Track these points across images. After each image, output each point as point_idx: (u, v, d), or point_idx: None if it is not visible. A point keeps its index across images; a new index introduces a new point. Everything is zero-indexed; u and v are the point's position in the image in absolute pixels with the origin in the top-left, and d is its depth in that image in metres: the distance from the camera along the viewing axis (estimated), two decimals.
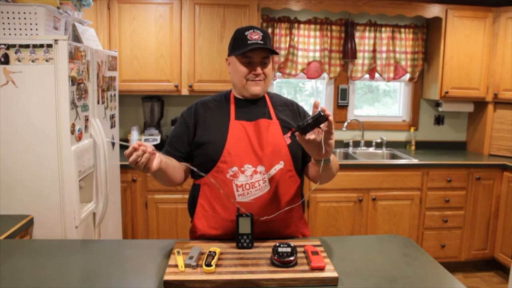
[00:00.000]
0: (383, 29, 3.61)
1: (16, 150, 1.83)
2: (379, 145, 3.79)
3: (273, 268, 1.22)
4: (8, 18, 1.82)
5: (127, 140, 3.35)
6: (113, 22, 3.08)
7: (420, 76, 3.79)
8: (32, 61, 1.79)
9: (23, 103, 1.81)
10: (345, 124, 3.66)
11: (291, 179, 1.49)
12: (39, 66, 1.79)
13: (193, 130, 1.52)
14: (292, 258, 1.23)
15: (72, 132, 1.89)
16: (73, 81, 1.87)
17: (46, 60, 1.79)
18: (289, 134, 1.50)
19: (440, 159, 3.36)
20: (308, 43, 3.54)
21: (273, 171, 1.45)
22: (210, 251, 1.28)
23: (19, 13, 1.83)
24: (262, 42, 1.43)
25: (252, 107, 1.54)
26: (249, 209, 1.41)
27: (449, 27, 3.41)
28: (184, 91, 3.21)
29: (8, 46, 1.78)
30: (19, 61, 1.78)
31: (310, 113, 1.42)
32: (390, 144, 3.83)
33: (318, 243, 1.43)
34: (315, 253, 1.28)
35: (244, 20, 3.18)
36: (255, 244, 1.39)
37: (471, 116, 3.88)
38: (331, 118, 1.22)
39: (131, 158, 1.19)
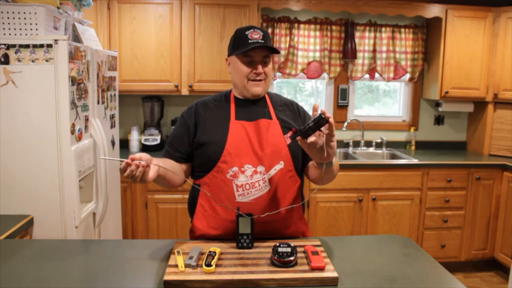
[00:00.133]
0: (383, 29, 3.61)
1: (16, 150, 1.83)
2: (379, 145, 3.79)
3: (273, 268, 1.22)
4: (8, 18, 1.82)
5: (127, 145, 3.34)
6: (113, 22, 3.08)
7: (420, 76, 3.79)
8: (32, 61, 1.79)
9: (23, 103, 1.81)
10: (345, 124, 3.66)
11: (291, 179, 1.49)
12: (39, 66, 1.79)
13: (193, 131, 1.52)
14: (292, 258, 1.23)
15: (72, 132, 1.89)
16: (73, 81, 1.87)
17: (46, 60, 1.79)
18: (289, 135, 1.50)
19: (440, 159, 3.36)
20: (308, 43, 3.54)
21: (273, 171, 1.45)
22: (210, 251, 1.28)
23: (19, 13, 1.83)
24: (262, 41, 1.44)
25: (252, 107, 1.54)
26: (249, 209, 1.41)
27: (449, 27, 3.41)
28: (184, 91, 3.21)
29: (8, 46, 1.77)
30: (19, 61, 1.78)
31: (310, 113, 1.42)
32: (390, 144, 3.83)
33: (318, 243, 1.43)
34: (315, 253, 1.28)
35: (244, 20, 3.18)
36: (255, 244, 1.39)
37: (471, 116, 3.88)
38: (331, 120, 1.22)
39: (126, 173, 1.19)
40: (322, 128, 1.24)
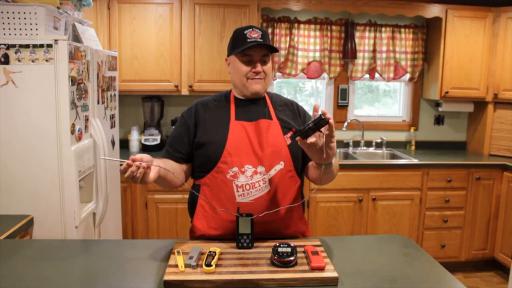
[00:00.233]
0: (383, 29, 3.61)
1: (16, 150, 1.83)
2: (379, 145, 3.79)
3: (273, 268, 1.22)
4: (8, 18, 1.82)
5: (127, 145, 3.35)
6: (113, 22, 3.08)
7: (420, 76, 3.79)
8: (32, 61, 1.79)
9: (23, 103, 1.81)
10: (345, 124, 3.66)
11: (291, 179, 1.49)
12: (39, 66, 1.79)
13: (194, 131, 1.52)
14: (292, 258, 1.23)
15: (72, 132, 1.89)
16: (73, 81, 1.87)
17: (46, 60, 1.79)
18: (289, 135, 1.50)
19: (440, 159, 3.36)
20: (308, 43, 3.54)
21: (273, 171, 1.45)
22: (210, 251, 1.28)
23: (19, 13, 1.83)
24: (261, 40, 1.44)
25: (252, 107, 1.54)
26: (249, 210, 1.41)
27: (449, 27, 3.41)
28: (184, 91, 3.21)
29: (8, 46, 1.77)
30: (19, 61, 1.78)
31: (311, 113, 1.42)
32: (390, 144, 3.83)
33: (318, 243, 1.43)
34: (315, 253, 1.28)
35: (244, 20, 3.18)
36: (255, 244, 1.39)
37: (471, 116, 3.88)
38: (331, 121, 1.21)
39: (126, 174, 1.19)
40: (322, 129, 1.24)
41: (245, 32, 1.45)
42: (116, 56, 2.62)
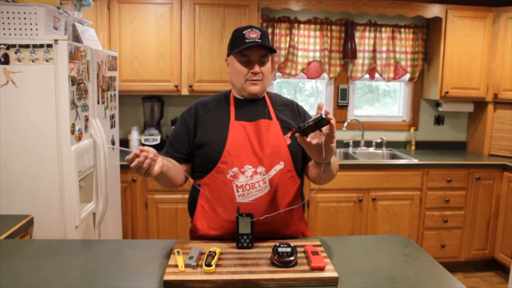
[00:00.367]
0: (383, 29, 3.61)
1: (16, 150, 1.83)
2: (379, 145, 3.79)
3: (273, 268, 1.22)
4: (8, 18, 1.82)
5: (127, 145, 3.35)
6: (113, 22, 3.08)
7: (420, 76, 3.79)
8: (32, 61, 1.79)
9: (23, 103, 1.81)
10: (345, 124, 3.66)
11: (291, 179, 1.49)
12: (39, 66, 1.79)
13: (193, 131, 1.51)
14: (292, 258, 1.23)
15: (72, 132, 1.89)
16: (73, 81, 1.87)
17: (46, 60, 1.79)
18: (289, 135, 1.50)
19: (440, 159, 3.36)
20: (308, 43, 3.54)
21: (273, 171, 1.45)
22: (210, 251, 1.28)
23: (19, 13, 1.83)
24: (260, 40, 1.43)
25: (252, 107, 1.54)
26: (249, 210, 1.41)
27: (449, 27, 3.41)
28: (184, 91, 3.21)
29: (8, 46, 1.77)
30: (19, 61, 1.78)
31: (311, 113, 1.42)
32: (390, 144, 3.83)
33: (318, 243, 1.43)
34: (315, 253, 1.28)
35: (244, 20, 3.18)
36: (255, 244, 1.39)
37: (471, 116, 3.88)
38: (333, 121, 1.21)
39: (133, 164, 1.19)
40: (323, 128, 1.24)
41: (244, 32, 1.45)
42: (116, 56, 2.62)
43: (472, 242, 3.35)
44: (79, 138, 1.98)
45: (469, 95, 3.53)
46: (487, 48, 3.49)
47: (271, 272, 1.20)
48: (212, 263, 1.21)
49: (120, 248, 1.45)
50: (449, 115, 3.91)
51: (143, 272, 1.26)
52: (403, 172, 3.20)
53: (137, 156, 1.19)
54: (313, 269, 1.22)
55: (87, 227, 2.11)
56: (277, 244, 1.29)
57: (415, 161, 3.26)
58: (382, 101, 3.99)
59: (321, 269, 1.21)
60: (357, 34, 3.59)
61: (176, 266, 1.22)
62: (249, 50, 1.45)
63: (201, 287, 1.16)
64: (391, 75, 3.69)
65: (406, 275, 1.25)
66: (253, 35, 1.44)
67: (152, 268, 1.28)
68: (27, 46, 1.78)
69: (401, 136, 3.89)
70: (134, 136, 3.32)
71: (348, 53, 3.53)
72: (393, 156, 3.61)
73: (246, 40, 1.43)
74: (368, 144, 3.79)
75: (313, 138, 1.25)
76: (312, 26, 3.53)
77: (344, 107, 3.76)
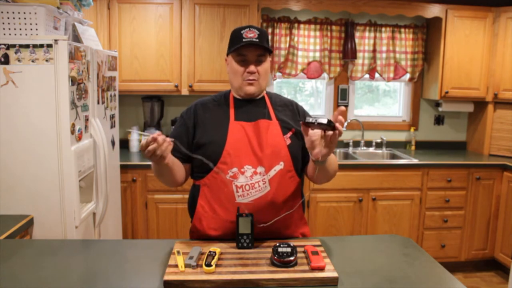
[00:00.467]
0: (383, 29, 3.61)
1: (16, 150, 1.83)
2: (379, 145, 3.79)
3: (273, 268, 1.22)
4: (8, 18, 1.82)
5: (127, 144, 3.35)
6: (113, 22, 3.08)
7: (420, 76, 3.79)
8: (32, 61, 1.79)
9: (23, 103, 1.81)
10: (345, 124, 3.66)
11: (291, 179, 1.49)
12: (39, 66, 1.79)
13: (193, 131, 1.52)
14: (292, 258, 1.23)
15: (72, 132, 1.89)
16: (73, 81, 1.87)
17: (46, 60, 1.79)
18: (289, 135, 1.50)
19: (440, 159, 3.36)
20: (308, 43, 3.54)
21: (272, 172, 1.45)
22: (210, 251, 1.28)
23: (19, 13, 1.83)
24: (257, 40, 1.43)
25: (252, 107, 1.53)
26: (249, 210, 1.41)
27: (449, 27, 3.41)
28: (184, 91, 3.21)
29: (8, 46, 1.78)
30: (19, 61, 1.78)
31: (311, 113, 1.42)
32: (390, 144, 3.83)
33: (318, 243, 1.43)
34: (315, 253, 1.28)
35: (244, 20, 3.18)
36: (255, 244, 1.39)
37: (471, 116, 3.88)
38: (337, 132, 1.20)
39: (151, 147, 1.21)
40: (328, 132, 1.24)
41: (242, 32, 1.45)
42: (116, 56, 2.62)
43: (472, 242, 3.35)
44: (79, 138, 1.98)
45: (469, 95, 3.53)
46: (487, 48, 3.48)
47: (271, 272, 1.20)
48: (212, 263, 1.21)
49: (120, 248, 1.45)
50: (449, 115, 3.91)
51: (143, 272, 1.26)
52: (403, 172, 3.20)
53: (155, 140, 1.21)
54: (313, 269, 1.22)
55: (87, 227, 2.11)
56: (277, 244, 1.29)
57: (415, 161, 3.26)
58: (382, 101, 3.99)
59: (321, 269, 1.21)
60: (357, 34, 3.59)
61: (176, 266, 1.22)
62: (245, 49, 1.45)
63: (201, 287, 1.16)
64: (391, 75, 3.69)
65: (406, 275, 1.25)
66: (250, 35, 1.44)
67: (152, 268, 1.28)
68: (27, 46, 1.78)
69: (401, 136, 3.89)
70: (134, 136, 3.32)
71: (348, 53, 3.53)
72: (393, 156, 3.61)
73: (243, 40, 1.43)
74: (368, 144, 3.79)
75: (313, 135, 1.26)
76: (312, 26, 3.53)
77: (344, 107, 3.75)
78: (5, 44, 1.77)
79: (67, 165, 1.86)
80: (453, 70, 3.47)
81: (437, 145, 3.90)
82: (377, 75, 3.70)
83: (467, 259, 3.37)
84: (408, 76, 3.78)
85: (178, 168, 1.45)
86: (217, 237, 1.47)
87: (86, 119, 2.08)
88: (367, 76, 3.70)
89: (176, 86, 3.18)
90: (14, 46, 1.78)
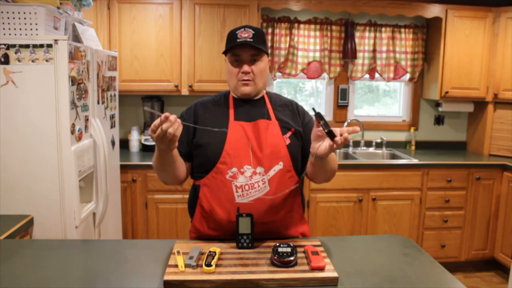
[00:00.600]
0: (383, 29, 3.61)
1: (16, 150, 1.83)
2: (379, 145, 3.79)
3: (273, 268, 1.22)
4: (8, 18, 1.82)
5: (127, 144, 3.35)
6: (113, 22, 3.08)
7: (420, 76, 3.79)
8: (32, 61, 1.79)
9: (23, 103, 1.81)
10: (345, 124, 3.66)
11: (291, 179, 1.49)
12: (39, 66, 1.79)
13: (193, 131, 1.51)
14: (292, 258, 1.23)
15: (72, 132, 1.89)
16: (73, 81, 1.87)
17: (46, 60, 1.79)
18: (288, 135, 1.50)
19: (440, 159, 3.36)
20: (308, 43, 3.54)
21: (272, 172, 1.45)
22: (210, 251, 1.28)
23: (19, 13, 1.83)
24: (251, 40, 1.43)
25: (252, 107, 1.53)
26: (249, 210, 1.41)
27: (449, 27, 3.41)
28: (184, 91, 3.21)
29: (8, 46, 1.78)
30: (19, 61, 1.78)
31: (311, 113, 1.42)
32: (390, 144, 3.83)
33: (318, 243, 1.43)
34: (315, 253, 1.28)
35: (244, 20, 3.18)
36: (255, 244, 1.39)
37: (471, 116, 3.88)
38: (335, 143, 1.20)
39: (165, 125, 1.18)
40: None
41: (237, 32, 1.45)
42: (116, 56, 2.62)
43: (472, 242, 3.35)
44: (79, 138, 1.98)
45: (469, 95, 3.53)
46: (487, 48, 3.48)
47: (271, 272, 1.20)
48: (212, 263, 1.21)
49: (120, 248, 1.45)
50: (449, 115, 3.91)
51: (143, 272, 1.26)
52: (403, 172, 3.20)
53: (167, 118, 1.18)
54: (313, 269, 1.22)
55: (87, 227, 2.11)
56: (277, 244, 1.29)
57: (415, 161, 3.26)
58: (382, 101, 3.99)
59: (321, 269, 1.21)
60: (357, 34, 3.59)
61: (176, 266, 1.22)
62: (239, 49, 1.45)
63: (201, 287, 1.16)
64: (391, 75, 3.69)
65: (406, 275, 1.25)
66: (244, 35, 1.44)
67: (152, 268, 1.28)
68: (27, 46, 1.78)
69: (401, 136, 3.89)
70: (134, 136, 3.33)
71: (348, 53, 3.53)
72: (393, 156, 3.61)
73: (237, 40, 1.43)
74: (368, 144, 3.79)
75: (318, 130, 1.28)
76: (312, 26, 3.53)
77: (344, 107, 3.76)
78: (5, 44, 1.77)
79: (67, 165, 1.86)
80: (453, 70, 3.47)
81: (437, 145, 3.90)
82: (377, 75, 3.70)
83: (467, 259, 3.37)
84: (408, 76, 3.78)
85: (180, 163, 1.45)
86: (217, 237, 1.47)
87: (86, 119, 2.08)
88: (367, 76, 3.70)
89: (176, 86, 3.18)
90: (14, 46, 1.78)
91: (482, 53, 3.48)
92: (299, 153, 1.52)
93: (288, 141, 1.49)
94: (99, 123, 2.20)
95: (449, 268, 1.63)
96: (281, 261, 1.23)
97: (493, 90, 3.51)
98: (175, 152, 1.35)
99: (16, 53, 1.78)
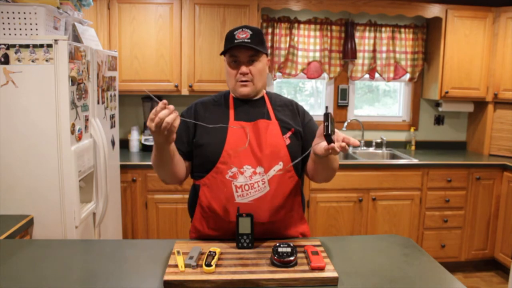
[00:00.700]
0: (383, 29, 3.61)
1: (16, 150, 1.83)
2: (379, 145, 3.79)
3: (273, 268, 1.22)
4: (8, 18, 1.82)
5: (127, 145, 3.34)
6: (113, 22, 3.08)
7: (420, 76, 3.80)
8: (32, 61, 1.79)
9: (23, 103, 1.81)
10: (345, 124, 3.66)
11: (291, 179, 1.49)
12: (39, 66, 1.79)
13: (193, 131, 1.51)
14: (292, 258, 1.23)
15: (72, 132, 1.89)
16: (73, 81, 1.87)
17: (46, 60, 1.79)
18: (288, 135, 1.50)
19: (440, 159, 3.36)
20: (308, 43, 3.54)
21: (272, 172, 1.45)
22: (210, 251, 1.28)
23: (19, 13, 1.83)
24: (249, 40, 1.43)
25: (251, 107, 1.53)
26: (249, 210, 1.41)
27: (449, 27, 3.41)
28: (184, 91, 3.21)
29: (8, 46, 1.78)
30: (19, 61, 1.78)
31: (311, 113, 1.42)
32: (390, 144, 3.83)
33: (318, 243, 1.43)
34: (315, 253, 1.28)
35: (244, 20, 3.18)
36: (255, 244, 1.39)
37: (471, 116, 3.88)
38: (332, 147, 1.18)
39: (163, 112, 1.15)
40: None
41: (235, 33, 1.45)
42: (116, 56, 2.62)
43: (472, 242, 3.35)
44: (79, 138, 1.98)
45: (469, 95, 3.53)
46: (487, 48, 3.49)
47: (271, 272, 1.20)
48: (212, 263, 1.21)
49: (120, 248, 1.45)
50: (449, 115, 3.91)
51: (143, 272, 1.26)
52: (403, 172, 3.20)
53: (165, 105, 1.16)
54: (313, 269, 1.22)
55: (87, 227, 2.11)
56: (277, 244, 1.29)
57: (415, 161, 3.26)
58: (382, 101, 3.99)
59: (321, 269, 1.21)
60: (357, 34, 3.59)
61: (176, 266, 1.22)
62: (237, 50, 1.45)
63: (201, 287, 1.16)
64: (391, 75, 3.69)
65: (406, 275, 1.25)
66: (242, 36, 1.43)
67: (152, 268, 1.28)
68: (27, 46, 1.78)
69: (401, 136, 3.89)
70: (134, 136, 3.33)
71: (348, 53, 3.53)
72: (393, 156, 3.61)
73: (235, 41, 1.43)
74: (368, 144, 3.79)
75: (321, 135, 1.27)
76: (312, 26, 3.53)
77: (344, 107, 3.76)
78: (5, 44, 1.77)
79: (67, 165, 1.86)
80: (453, 70, 3.47)
81: (437, 145, 3.90)
82: (377, 75, 3.70)
83: (467, 259, 3.37)
84: (408, 76, 3.78)
85: (179, 159, 1.44)
86: (217, 237, 1.47)
87: (86, 119, 2.08)
88: (367, 76, 3.70)
89: (176, 86, 3.18)
90: (14, 46, 1.78)
91: (482, 53, 3.48)
92: (299, 153, 1.51)
93: (288, 141, 1.49)
94: (99, 123, 2.20)
95: (449, 268, 1.64)
96: (281, 261, 1.23)
97: (493, 90, 3.51)
98: (173, 147, 1.33)
99: (16, 53, 1.78)
